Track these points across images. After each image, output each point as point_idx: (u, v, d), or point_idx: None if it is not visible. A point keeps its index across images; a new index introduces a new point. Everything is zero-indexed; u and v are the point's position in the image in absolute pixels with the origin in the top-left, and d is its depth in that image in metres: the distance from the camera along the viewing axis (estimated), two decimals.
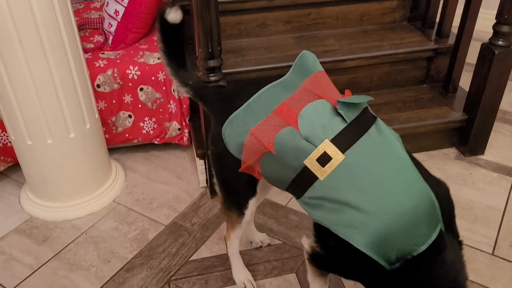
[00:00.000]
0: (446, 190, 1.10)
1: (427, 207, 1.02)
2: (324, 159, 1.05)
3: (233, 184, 1.35)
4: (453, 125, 2.18)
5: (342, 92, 1.18)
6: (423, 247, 0.99)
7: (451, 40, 2.25)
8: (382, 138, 1.09)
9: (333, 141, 1.05)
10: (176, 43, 1.37)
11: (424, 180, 1.05)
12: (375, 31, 2.36)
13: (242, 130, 1.16)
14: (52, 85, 1.65)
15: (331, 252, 1.15)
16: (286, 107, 1.12)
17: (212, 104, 1.36)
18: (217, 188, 1.42)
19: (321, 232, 1.14)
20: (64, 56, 1.65)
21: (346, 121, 1.07)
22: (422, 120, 2.13)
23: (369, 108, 1.15)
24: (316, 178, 1.06)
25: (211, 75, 1.68)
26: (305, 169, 1.07)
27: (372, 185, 1.03)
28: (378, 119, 1.13)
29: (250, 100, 1.17)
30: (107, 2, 2.19)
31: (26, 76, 1.59)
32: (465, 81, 2.28)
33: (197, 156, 1.99)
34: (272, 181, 1.20)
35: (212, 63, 1.65)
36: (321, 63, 1.19)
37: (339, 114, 1.08)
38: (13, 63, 1.56)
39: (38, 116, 1.68)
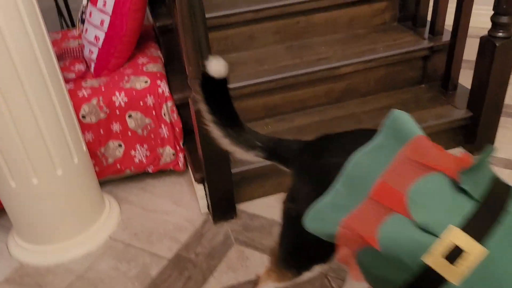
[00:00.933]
0: None
1: None
2: (454, 255, 0.79)
3: (306, 250, 1.13)
4: (457, 124, 2.09)
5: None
6: None
7: (446, 37, 2.18)
8: None
9: (465, 228, 0.79)
10: (227, 105, 1.15)
11: None
12: (367, 35, 2.28)
13: (332, 220, 0.92)
14: (33, 120, 1.53)
15: None
16: (386, 186, 0.87)
17: (293, 159, 1.15)
18: (274, 242, 1.21)
19: None
20: (45, 88, 1.55)
21: (474, 198, 0.82)
22: (424, 121, 2.03)
23: (496, 174, 0.89)
24: (444, 281, 0.80)
25: None
26: (427, 270, 0.81)
27: None
28: None
29: (337, 184, 0.94)
30: (86, 29, 2.09)
31: (4, 112, 1.47)
32: (462, 78, 2.20)
33: (196, 181, 1.87)
34: (375, 283, 0.96)
35: None
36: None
37: (462, 190, 0.83)
38: None
39: (20, 155, 1.55)
